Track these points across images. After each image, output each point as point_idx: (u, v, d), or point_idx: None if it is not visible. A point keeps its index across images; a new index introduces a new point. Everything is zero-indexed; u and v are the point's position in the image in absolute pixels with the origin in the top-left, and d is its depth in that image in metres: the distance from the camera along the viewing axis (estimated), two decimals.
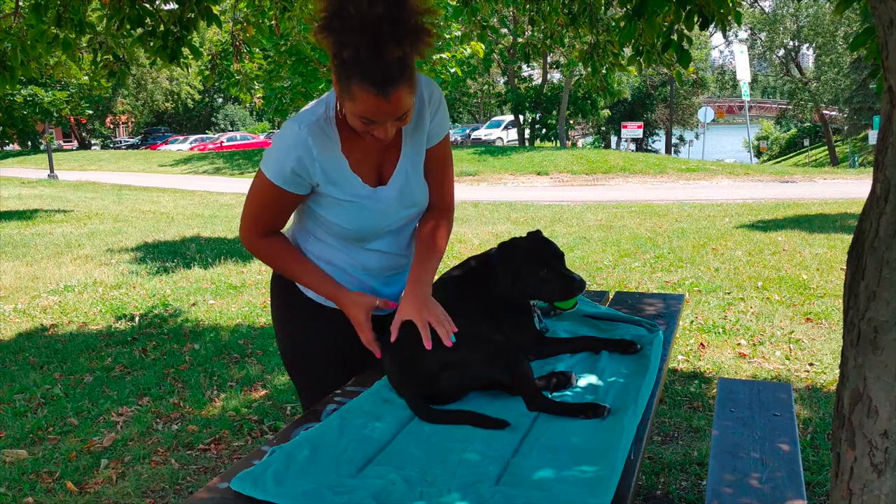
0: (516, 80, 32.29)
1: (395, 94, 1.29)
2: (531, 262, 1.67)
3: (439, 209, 1.69)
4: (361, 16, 1.22)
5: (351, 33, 1.25)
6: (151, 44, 3.63)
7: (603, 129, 38.92)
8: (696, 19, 3.28)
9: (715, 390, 3.29)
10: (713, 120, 29.55)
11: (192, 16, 3.68)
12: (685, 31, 3.44)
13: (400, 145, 1.57)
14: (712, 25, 3.31)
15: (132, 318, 4.99)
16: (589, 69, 4.73)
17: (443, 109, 1.59)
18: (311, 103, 1.53)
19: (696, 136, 36.41)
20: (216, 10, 3.88)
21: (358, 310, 1.57)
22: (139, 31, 3.58)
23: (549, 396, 1.47)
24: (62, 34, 3.55)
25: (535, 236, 1.73)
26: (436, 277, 1.67)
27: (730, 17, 3.35)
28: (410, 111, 1.38)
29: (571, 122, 30.71)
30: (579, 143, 29.71)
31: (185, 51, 3.80)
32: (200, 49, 4.22)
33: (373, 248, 1.64)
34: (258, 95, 7.78)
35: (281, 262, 1.63)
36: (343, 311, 1.60)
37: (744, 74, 28.24)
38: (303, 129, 1.45)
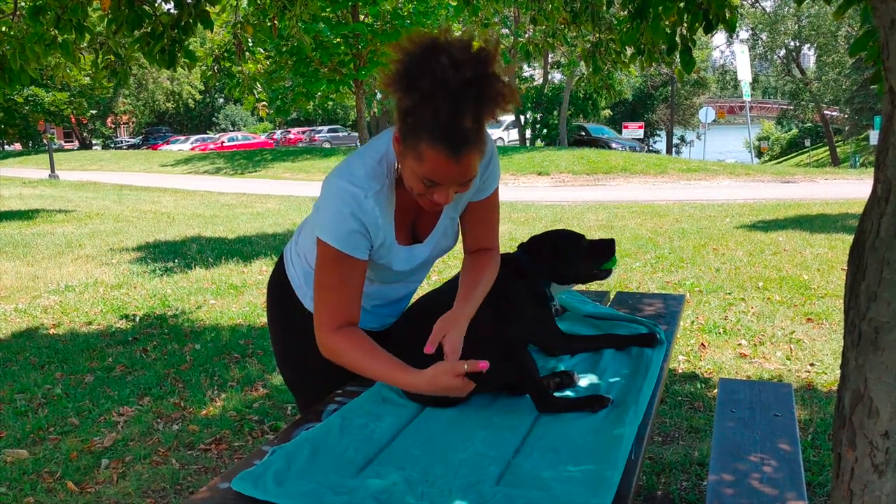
0: (517, 80, 32.28)
1: (466, 157, 1.25)
2: (569, 238, 1.78)
3: (486, 250, 1.61)
4: (449, 79, 1.18)
5: (434, 95, 1.20)
6: (150, 44, 3.62)
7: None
8: (700, 22, 3.26)
9: (715, 390, 3.29)
10: (714, 120, 29.53)
11: (190, 19, 3.67)
12: (688, 34, 3.43)
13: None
14: (717, 28, 3.29)
15: (133, 318, 5.00)
16: (591, 68, 4.73)
17: (494, 161, 1.51)
18: (365, 158, 1.42)
19: (698, 137, 36.36)
20: (214, 12, 3.87)
21: (445, 377, 1.32)
22: (137, 32, 3.56)
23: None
24: (61, 36, 3.54)
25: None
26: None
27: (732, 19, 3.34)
28: (474, 179, 1.33)
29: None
30: None
31: (182, 55, 3.79)
32: (201, 51, 4.22)
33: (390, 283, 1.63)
34: (262, 103, 7.71)
35: (360, 356, 1.41)
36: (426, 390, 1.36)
37: (745, 75, 28.23)
38: (369, 199, 1.37)
